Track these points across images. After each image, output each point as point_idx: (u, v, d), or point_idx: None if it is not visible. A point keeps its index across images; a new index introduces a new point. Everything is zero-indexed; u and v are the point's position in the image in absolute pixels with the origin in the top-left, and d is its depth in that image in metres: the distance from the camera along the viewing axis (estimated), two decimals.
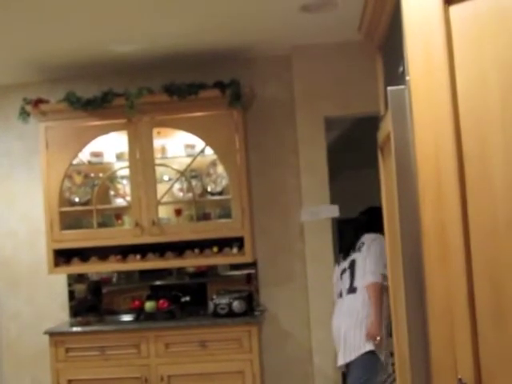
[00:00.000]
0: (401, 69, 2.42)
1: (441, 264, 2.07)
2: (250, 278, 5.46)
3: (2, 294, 5.83)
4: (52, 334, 5.11)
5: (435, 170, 2.10)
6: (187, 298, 5.47)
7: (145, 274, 5.58)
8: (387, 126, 2.57)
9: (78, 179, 5.42)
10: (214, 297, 5.21)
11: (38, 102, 5.21)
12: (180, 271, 5.62)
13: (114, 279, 5.70)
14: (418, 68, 2.18)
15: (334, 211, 5.25)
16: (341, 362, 4.52)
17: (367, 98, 4.92)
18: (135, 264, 5.26)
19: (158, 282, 5.61)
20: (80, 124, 5.22)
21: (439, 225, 2.08)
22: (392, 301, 3.08)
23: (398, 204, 2.27)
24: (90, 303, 5.55)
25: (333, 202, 5.28)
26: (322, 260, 5.23)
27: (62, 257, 5.28)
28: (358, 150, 6.08)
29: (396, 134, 2.30)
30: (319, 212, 5.22)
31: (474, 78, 2.01)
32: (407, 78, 2.23)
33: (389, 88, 2.37)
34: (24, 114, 5.23)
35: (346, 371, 4.59)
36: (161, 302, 5.25)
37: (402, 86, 2.30)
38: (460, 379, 1.99)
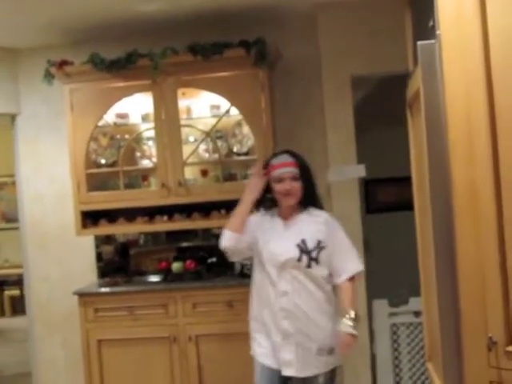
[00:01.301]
0: (431, 23, 2.37)
1: (472, 222, 2.04)
2: None
3: (31, 256, 5.89)
4: (81, 294, 5.16)
5: (466, 124, 2.06)
6: (214, 259, 5.48)
7: (171, 235, 5.60)
8: (416, 83, 2.52)
9: (104, 141, 5.42)
10: None
11: (62, 64, 5.19)
12: (206, 232, 5.62)
13: (141, 241, 5.73)
14: (449, 21, 2.13)
15: (361, 171, 5.20)
16: None
17: (395, 55, 4.81)
18: (162, 225, 5.27)
19: (184, 244, 5.63)
20: (105, 85, 5.19)
21: (470, 181, 2.05)
22: (421, 260, 3.05)
23: (427, 161, 2.23)
24: (117, 264, 5.59)
25: (360, 161, 5.22)
26: (349, 220, 5.17)
27: (90, 218, 5.30)
28: (385, 108, 6.00)
29: (426, 89, 2.26)
30: (346, 172, 5.17)
31: (506, 29, 1.95)
32: (437, 31, 2.18)
33: (419, 43, 2.32)
34: (48, 77, 5.21)
35: None
36: (188, 262, 5.27)
37: (432, 41, 2.24)
38: (490, 337, 1.97)
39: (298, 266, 3.51)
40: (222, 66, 5.04)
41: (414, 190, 3.11)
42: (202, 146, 5.33)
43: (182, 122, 5.21)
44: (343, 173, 5.17)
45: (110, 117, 5.32)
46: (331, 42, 5.18)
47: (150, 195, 5.23)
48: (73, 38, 5.50)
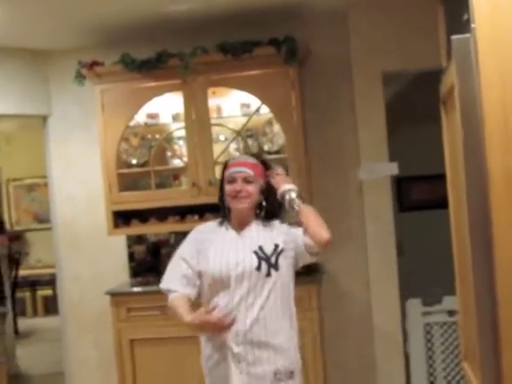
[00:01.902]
0: (465, 17, 2.34)
1: (509, 213, 2.02)
2: None
3: (63, 256, 5.93)
4: (113, 294, 5.18)
5: (502, 115, 2.05)
6: None
7: None
8: (451, 78, 2.49)
9: (135, 141, 5.44)
10: None
11: (93, 65, 5.21)
12: None
13: (172, 240, 5.74)
14: (484, 14, 2.11)
15: (393, 169, 5.15)
16: None
17: (427, 51, 4.76)
18: (193, 224, 5.23)
19: None
20: (135, 86, 5.21)
21: (507, 171, 2.03)
22: (456, 258, 3.01)
23: (463, 157, 2.19)
24: (149, 264, 5.61)
25: (392, 159, 5.18)
26: (381, 219, 5.15)
27: (121, 219, 5.32)
28: (416, 105, 5.95)
29: (461, 84, 2.22)
30: (378, 170, 5.13)
31: None
32: (472, 25, 2.14)
33: (453, 37, 2.29)
34: (79, 78, 5.24)
35: None
36: None
37: (466, 35, 2.21)
38: None
39: (256, 276, 3.04)
40: (252, 64, 5.03)
41: (449, 187, 3.07)
42: (233, 145, 5.32)
43: (213, 121, 5.21)
44: (375, 171, 5.13)
45: (140, 117, 5.33)
46: (362, 38, 5.15)
47: (180, 195, 5.24)
48: (103, 38, 5.52)
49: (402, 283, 5.26)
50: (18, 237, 10.69)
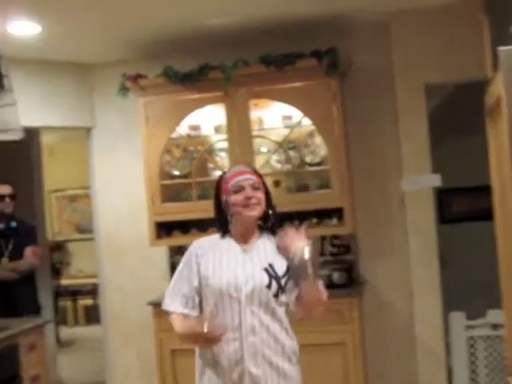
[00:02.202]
0: (511, 28, 2.33)
1: None
2: (349, 250, 5.41)
3: (106, 267, 5.99)
4: (155, 304, 5.20)
5: None
6: None
7: None
8: (497, 89, 2.47)
9: (177, 153, 5.49)
10: None
11: (136, 78, 5.28)
12: None
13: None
14: None
15: (436, 180, 5.11)
16: None
17: (471, 62, 4.76)
18: None
19: None
20: (178, 98, 5.26)
21: None
22: (503, 270, 2.98)
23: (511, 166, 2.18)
24: None
25: (434, 171, 5.14)
26: (424, 230, 5.11)
27: (163, 229, 5.36)
28: (459, 117, 5.92)
29: (508, 95, 2.21)
30: (421, 181, 5.09)
31: None
32: None
33: (500, 48, 2.27)
34: (123, 90, 5.31)
35: None
36: None
37: None
38: None
39: (266, 294, 2.84)
40: (293, 76, 5.04)
41: (495, 199, 3.04)
42: (275, 157, 5.33)
43: (254, 133, 5.23)
44: (417, 182, 5.10)
45: (183, 129, 5.39)
46: (404, 49, 5.13)
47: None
48: (146, 51, 5.59)
49: (445, 296, 5.20)
50: (59, 247, 10.82)
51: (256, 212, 2.88)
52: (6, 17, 3.32)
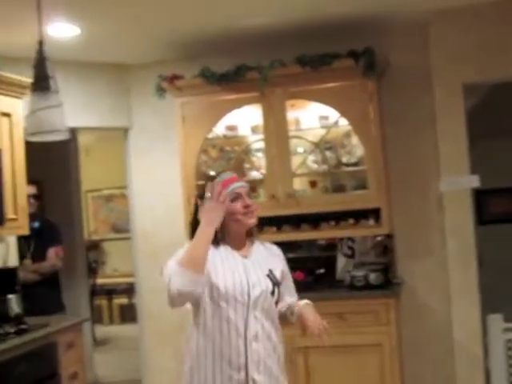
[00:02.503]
0: None
1: None
2: (386, 250, 5.39)
3: (142, 266, 6.03)
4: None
5: None
6: (322, 270, 5.46)
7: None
8: None
9: (214, 153, 5.51)
10: (351, 269, 5.17)
11: (173, 79, 5.31)
12: (310, 243, 5.61)
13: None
14: None
15: (474, 181, 5.07)
16: None
17: (509, 62, 4.72)
18: (271, 236, 5.25)
19: (289, 255, 5.59)
20: (214, 98, 5.27)
21: None
22: None
23: None
24: None
25: (472, 171, 5.09)
26: (462, 232, 5.06)
27: None
28: (498, 117, 5.86)
29: None
30: (459, 182, 5.05)
31: None
32: None
33: None
34: (160, 91, 5.34)
35: None
36: (297, 273, 5.26)
37: None
38: None
39: (270, 301, 2.85)
40: (330, 76, 5.03)
41: None
42: (311, 157, 5.33)
43: (291, 134, 5.23)
44: (456, 183, 5.05)
45: (219, 129, 5.40)
46: (442, 49, 5.08)
47: (259, 206, 5.25)
48: (183, 52, 5.62)
49: (483, 298, 5.15)
50: (95, 246, 10.93)
51: (255, 219, 2.92)
52: (47, 19, 3.36)
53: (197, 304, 2.80)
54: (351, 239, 5.45)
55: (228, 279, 2.79)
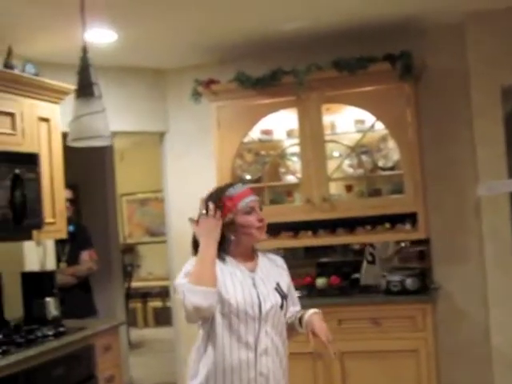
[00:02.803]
0: None
1: None
2: (422, 255, 5.34)
3: (177, 270, 5.97)
4: None
5: None
6: (357, 275, 5.43)
7: (309, 250, 5.58)
8: None
9: (249, 157, 5.52)
10: (386, 274, 5.14)
11: (209, 83, 5.33)
12: (344, 248, 5.59)
13: (280, 256, 5.74)
14: None
15: None
16: None
17: None
18: (306, 240, 5.28)
19: (323, 259, 5.60)
20: (250, 103, 5.28)
21: None
22: None
23: None
24: None
25: (511, 175, 5.03)
26: (499, 236, 4.99)
27: None
28: None
29: None
30: (497, 187, 4.99)
31: None
32: None
33: None
34: (196, 95, 5.37)
35: None
36: (332, 278, 5.25)
37: None
38: None
39: (279, 315, 2.83)
40: (366, 80, 5.01)
41: None
42: (347, 161, 5.31)
43: (327, 138, 5.22)
44: (494, 188, 4.99)
45: (254, 133, 5.41)
46: (480, 51, 5.02)
47: (294, 211, 5.25)
48: (218, 57, 5.64)
49: None
50: (130, 249, 11.01)
51: (265, 235, 2.90)
52: (86, 25, 3.39)
53: (207, 320, 2.75)
54: (372, 245, 5.43)
55: (239, 294, 2.75)
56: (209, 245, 2.72)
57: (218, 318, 2.73)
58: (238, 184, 2.95)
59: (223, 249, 2.82)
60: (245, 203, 2.81)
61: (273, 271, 2.92)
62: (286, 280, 2.94)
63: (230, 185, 2.93)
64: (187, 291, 2.62)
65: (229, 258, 2.83)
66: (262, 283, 2.83)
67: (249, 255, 2.89)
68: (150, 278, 10.81)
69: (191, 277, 2.66)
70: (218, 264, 2.75)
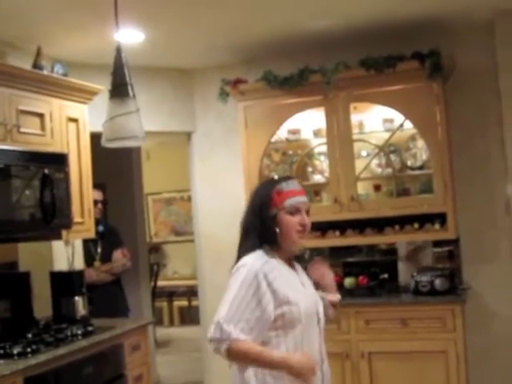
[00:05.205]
0: None
1: None
2: (451, 255, 5.29)
3: (205, 269, 6.05)
4: None
5: None
6: (385, 275, 5.39)
7: (335, 250, 5.54)
8: None
9: (277, 157, 5.51)
10: (415, 274, 5.10)
11: (236, 83, 5.32)
12: (371, 248, 5.55)
13: (306, 256, 5.73)
14: None
15: None
16: None
17: None
18: (334, 240, 5.25)
19: (349, 259, 5.56)
20: (277, 102, 5.27)
21: None
22: None
23: None
24: None
25: None
26: None
27: None
28: None
29: None
30: None
31: None
32: None
33: None
34: (223, 95, 5.36)
35: None
36: (360, 278, 5.23)
37: None
38: None
39: (323, 317, 2.79)
40: (395, 79, 4.98)
41: None
42: (375, 161, 5.28)
43: (355, 137, 5.19)
44: None
45: (282, 133, 5.39)
46: (510, 49, 4.96)
47: (322, 210, 5.22)
48: (246, 56, 5.63)
49: None
50: (156, 249, 11.05)
51: (305, 241, 2.72)
52: (114, 26, 3.39)
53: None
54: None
55: (300, 303, 2.62)
56: (282, 369, 2.54)
57: (279, 328, 2.61)
58: (293, 180, 2.76)
59: (269, 241, 2.67)
60: (292, 202, 2.67)
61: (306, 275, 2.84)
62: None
63: (285, 178, 2.77)
64: (232, 350, 2.57)
65: (276, 256, 2.68)
66: (308, 286, 2.76)
67: (287, 258, 2.75)
68: (176, 277, 10.85)
69: (250, 354, 2.57)
70: (272, 262, 2.63)
